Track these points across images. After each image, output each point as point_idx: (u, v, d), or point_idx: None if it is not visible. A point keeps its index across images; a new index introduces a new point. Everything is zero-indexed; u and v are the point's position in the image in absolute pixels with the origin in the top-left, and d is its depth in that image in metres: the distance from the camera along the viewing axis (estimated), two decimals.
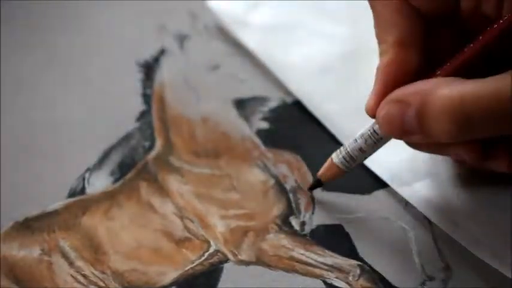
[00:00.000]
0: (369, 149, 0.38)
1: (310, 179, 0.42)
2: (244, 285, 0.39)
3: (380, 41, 0.38)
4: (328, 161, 0.40)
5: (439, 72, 0.36)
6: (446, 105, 0.33)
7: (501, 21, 0.35)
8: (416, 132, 0.35)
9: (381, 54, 0.38)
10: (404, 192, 0.41)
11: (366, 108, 0.37)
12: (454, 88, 0.33)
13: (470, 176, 0.40)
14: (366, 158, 0.39)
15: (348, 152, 0.39)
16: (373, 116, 0.37)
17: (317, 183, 0.41)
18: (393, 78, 0.37)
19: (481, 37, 0.35)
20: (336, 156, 0.39)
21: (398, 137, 0.37)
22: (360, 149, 0.38)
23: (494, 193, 0.39)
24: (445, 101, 0.33)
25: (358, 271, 0.39)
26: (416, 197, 0.40)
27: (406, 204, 0.41)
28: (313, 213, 0.41)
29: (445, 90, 0.33)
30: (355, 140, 0.38)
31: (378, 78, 0.37)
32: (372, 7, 0.38)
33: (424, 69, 0.37)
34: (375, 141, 0.38)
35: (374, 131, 0.38)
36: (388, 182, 0.41)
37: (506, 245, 0.38)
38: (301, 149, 0.43)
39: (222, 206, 0.41)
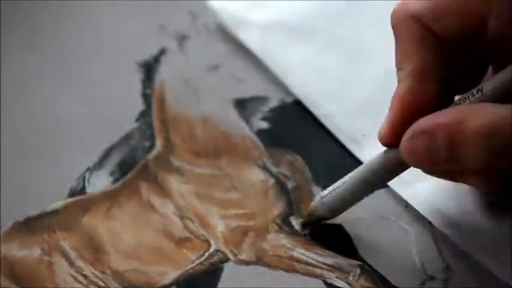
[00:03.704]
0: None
1: (310, 179, 0.42)
2: (244, 285, 0.39)
3: (398, 69, 0.37)
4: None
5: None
6: (481, 132, 0.32)
7: None
8: (445, 162, 0.34)
9: (399, 82, 0.37)
10: (405, 192, 0.41)
11: (379, 136, 0.37)
12: (486, 115, 0.33)
13: None
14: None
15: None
16: (386, 144, 0.37)
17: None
18: (409, 108, 0.36)
19: None
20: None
21: (426, 168, 0.36)
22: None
23: (495, 195, 0.39)
24: (479, 128, 0.32)
25: (358, 271, 0.39)
26: (416, 198, 0.40)
27: (406, 204, 0.41)
28: None
29: (477, 118, 0.33)
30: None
31: (392, 107, 0.36)
32: (395, 34, 0.37)
33: (442, 98, 0.36)
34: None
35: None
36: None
37: (507, 249, 0.38)
38: (301, 149, 0.43)
39: (222, 206, 0.41)
